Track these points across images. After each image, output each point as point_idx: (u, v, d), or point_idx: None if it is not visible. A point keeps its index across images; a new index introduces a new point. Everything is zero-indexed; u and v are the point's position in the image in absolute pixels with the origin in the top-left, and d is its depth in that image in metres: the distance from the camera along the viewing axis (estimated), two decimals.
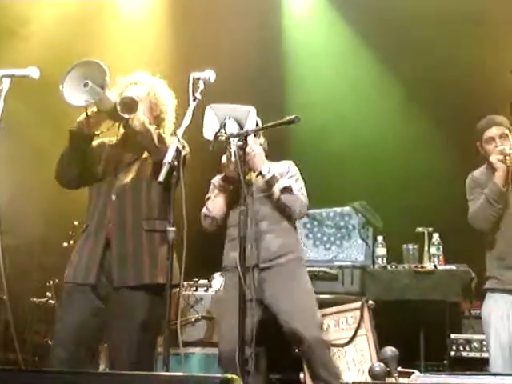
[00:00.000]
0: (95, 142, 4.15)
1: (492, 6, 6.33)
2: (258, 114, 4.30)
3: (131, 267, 3.95)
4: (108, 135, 4.19)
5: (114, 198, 4.03)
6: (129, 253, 3.97)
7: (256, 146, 4.47)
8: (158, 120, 4.17)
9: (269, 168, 4.47)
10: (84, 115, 3.93)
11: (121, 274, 3.94)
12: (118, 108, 3.84)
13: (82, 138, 4.00)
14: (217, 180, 4.61)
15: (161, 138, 3.97)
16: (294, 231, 4.69)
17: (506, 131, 4.67)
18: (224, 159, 4.36)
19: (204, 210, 4.59)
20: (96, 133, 4.08)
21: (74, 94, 3.77)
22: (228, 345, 4.22)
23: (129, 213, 4.02)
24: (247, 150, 4.22)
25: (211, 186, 4.70)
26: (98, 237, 4.00)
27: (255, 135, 4.54)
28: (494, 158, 4.58)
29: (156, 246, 4.02)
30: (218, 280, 5.59)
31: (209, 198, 4.64)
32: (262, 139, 4.70)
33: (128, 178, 4.08)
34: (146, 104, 4.13)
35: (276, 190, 4.46)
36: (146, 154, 4.10)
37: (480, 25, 6.27)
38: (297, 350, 4.69)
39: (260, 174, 4.48)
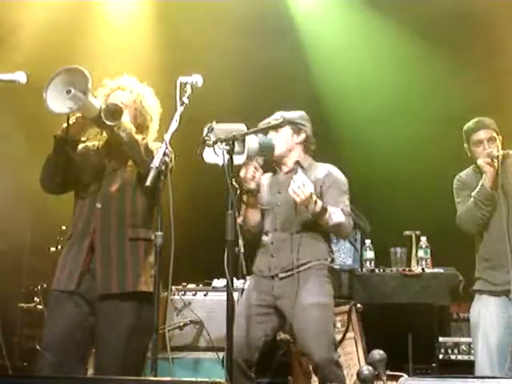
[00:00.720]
0: (80, 147, 4.14)
1: None
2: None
3: (115, 275, 3.93)
4: (93, 140, 4.18)
5: (99, 205, 4.02)
6: (112, 261, 3.95)
7: (303, 180, 4.19)
8: (141, 127, 4.16)
9: (316, 200, 4.20)
10: (66, 122, 3.90)
11: (104, 281, 3.92)
12: (103, 115, 3.82)
13: (66, 143, 3.97)
14: (244, 198, 4.49)
15: (147, 150, 3.95)
16: (323, 237, 4.49)
17: (494, 134, 4.71)
18: (242, 173, 4.31)
19: (239, 221, 4.35)
20: (82, 139, 4.08)
21: (57, 102, 3.75)
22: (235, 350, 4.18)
23: (113, 221, 4.01)
24: (293, 187, 4.13)
25: None
26: (81, 244, 3.99)
27: (295, 132, 4.52)
28: (481, 161, 4.61)
29: (140, 255, 4.01)
30: (217, 281, 5.60)
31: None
32: (302, 135, 4.59)
33: (113, 185, 4.06)
34: (131, 111, 4.13)
35: (325, 222, 4.29)
36: (130, 162, 4.09)
37: None
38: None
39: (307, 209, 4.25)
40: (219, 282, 5.57)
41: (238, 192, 4.28)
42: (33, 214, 6.69)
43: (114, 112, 3.85)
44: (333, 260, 4.57)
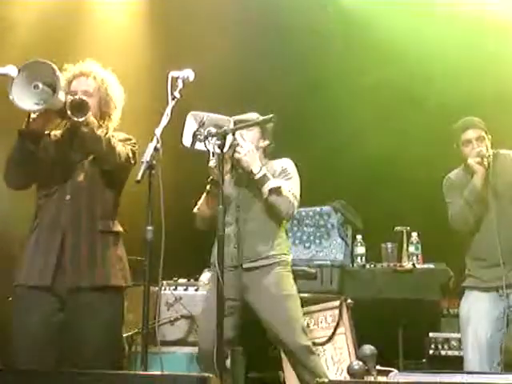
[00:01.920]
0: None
1: None
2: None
3: (85, 268, 3.90)
4: (53, 129, 4.12)
5: (67, 197, 3.97)
6: (82, 254, 3.91)
7: (247, 144, 4.45)
8: (104, 115, 4.10)
9: (260, 167, 4.45)
10: (29, 115, 3.83)
11: (75, 275, 3.88)
12: (69, 111, 3.76)
13: (31, 137, 3.88)
14: (207, 186, 4.56)
15: (109, 146, 3.90)
16: (281, 234, 4.65)
17: (483, 133, 4.72)
18: (211, 163, 4.33)
19: (195, 210, 4.61)
20: (45, 132, 4.01)
21: (25, 98, 3.70)
22: (205, 343, 4.23)
23: (83, 213, 3.96)
24: (237, 148, 4.29)
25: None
26: (51, 238, 3.93)
27: (262, 136, 4.62)
28: (471, 161, 4.63)
29: (110, 248, 3.99)
30: (206, 275, 5.60)
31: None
32: (266, 142, 4.69)
33: (82, 177, 4.01)
34: (95, 98, 4.06)
35: (265, 189, 4.45)
36: None
37: None
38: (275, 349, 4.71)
39: (251, 172, 4.46)
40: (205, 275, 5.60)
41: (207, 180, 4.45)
42: (22, 211, 6.65)
43: (81, 107, 3.78)
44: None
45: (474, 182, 4.60)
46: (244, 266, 4.45)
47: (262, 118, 4.35)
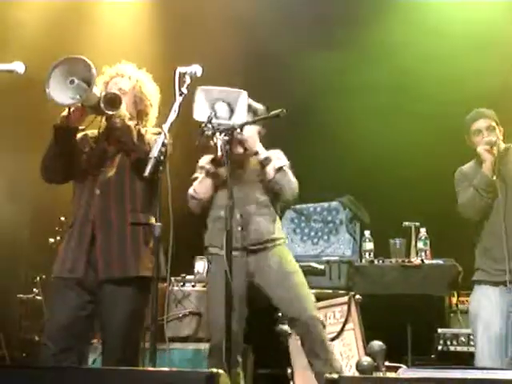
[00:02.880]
0: (78, 136, 4.13)
1: None
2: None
3: (116, 260, 3.96)
4: (91, 128, 4.17)
5: (97, 192, 4.03)
6: (114, 246, 3.98)
7: (249, 127, 4.44)
8: (141, 114, 4.18)
9: (263, 148, 4.50)
10: (67, 110, 3.91)
11: (106, 267, 3.95)
12: (102, 104, 3.84)
13: (66, 132, 3.98)
14: (205, 162, 4.59)
15: (140, 136, 3.96)
16: (278, 218, 4.67)
17: (493, 123, 4.76)
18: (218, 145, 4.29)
19: (190, 191, 4.57)
20: (80, 127, 4.07)
21: (60, 92, 3.76)
22: (217, 335, 4.19)
23: (113, 207, 4.03)
24: (238, 135, 4.27)
25: (198, 168, 4.67)
26: (83, 231, 4.00)
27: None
28: (481, 149, 4.66)
29: (140, 239, 4.03)
30: (200, 264, 5.60)
31: (195, 179, 4.61)
32: (259, 127, 4.66)
33: (111, 171, 4.08)
34: (130, 98, 4.14)
35: (270, 169, 4.47)
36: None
37: None
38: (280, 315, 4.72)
39: (256, 153, 4.49)
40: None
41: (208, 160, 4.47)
42: (31, 205, 6.69)
43: (114, 100, 3.86)
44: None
45: (484, 170, 4.63)
46: (252, 247, 4.45)
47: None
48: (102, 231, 3.99)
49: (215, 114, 3.98)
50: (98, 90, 3.90)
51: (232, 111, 4.09)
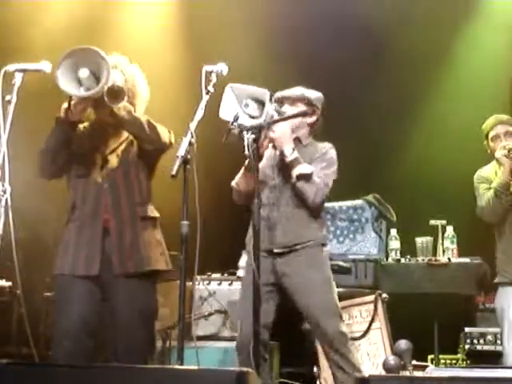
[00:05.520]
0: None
1: None
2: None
3: (130, 255, 3.96)
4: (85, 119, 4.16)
5: (105, 186, 4.01)
6: (127, 240, 3.97)
7: (282, 123, 4.28)
8: (132, 106, 4.08)
9: (292, 149, 4.30)
10: (67, 103, 3.87)
11: (121, 261, 3.94)
12: (106, 97, 3.81)
13: (68, 125, 3.95)
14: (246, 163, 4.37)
15: (151, 125, 3.95)
16: (317, 216, 4.45)
17: (511, 129, 4.84)
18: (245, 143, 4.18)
19: (233, 183, 4.46)
20: (81, 119, 4.06)
21: (70, 83, 3.76)
22: (243, 332, 4.18)
23: (123, 200, 4.02)
24: (273, 127, 4.17)
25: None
26: (94, 226, 3.98)
27: (310, 113, 4.43)
28: (499, 154, 4.72)
29: (150, 232, 4.04)
30: (243, 259, 5.59)
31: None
32: (314, 117, 4.50)
33: (115, 163, 4.05)
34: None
35: (294, 174, 4.30)
36: (128, 140, 4.10)
37: None
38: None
39: (282, 154, 4.33)
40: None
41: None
42: (57, 204, 6.71)
43: (117, 93, 3.84)
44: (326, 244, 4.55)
45: (502, 174, 4.69)
46: (276, 250, 4.33)
47: (299, 110, 4.29)
48: (114, 225, 3.97)
49: (244, 112, 3.96)
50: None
51: (263, 108, 4.08)
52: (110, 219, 3.98)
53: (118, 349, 3.98)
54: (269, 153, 4.51)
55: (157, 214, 4.17)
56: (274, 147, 4.39)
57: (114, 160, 4.07)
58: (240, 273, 5.53)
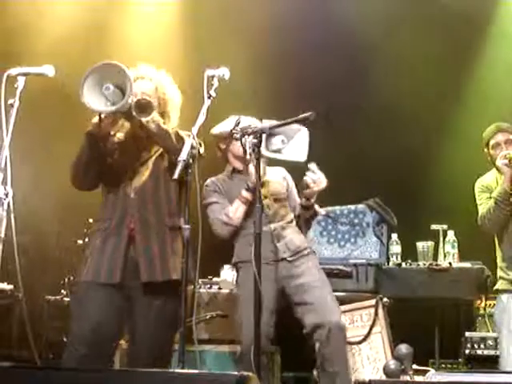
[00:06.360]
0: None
1: None
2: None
3: (158, 263, 3.95)
4: (117, 131, 4.17)
5: (132, 195, 4.02)
6: (155, 249, 3.97)
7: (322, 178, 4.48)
8: (164, 115, 4.11)
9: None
10: (98, 117, 3.90)
11: (149, 270, 3.93)
12: (134, 111, 3.83)
13: (98, 139, 3.98)
14: (244, 194, 4.51)
15: (178, 137, 3.93)
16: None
17: (511, 137, 4.85)
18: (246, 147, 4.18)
19: (224, 219, 4.52)
20: (111, 133, 4.08)
21: (95, 99, 3.77)
22: (248, 340, 4.18)
23: (150, 210, 4.02)
24: (314, 178, 4.43)
25: (209, 191, 4.64)
26: (119, 236, 3.98)
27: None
28: (499, 162, 4.74)
29: (178, 243, 4.01)
30: (227, 272, 5.59)
31: (211, 204, 4.60)
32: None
33: (145, 175, 4.06)
34: (154, 99, 4.08)
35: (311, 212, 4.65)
36: (159, 152, 4.10)
37: None
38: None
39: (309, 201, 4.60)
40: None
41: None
42: (59, 207, 6.73)
43: (146, 106, 3.85)
44: None
45: (502, 183, 4.71)
46: (289, 258, 4.53)
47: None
48: (141, 235, 3.97)
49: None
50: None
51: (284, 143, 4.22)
52: (136, 228, 3.98)
53: (135, 356, 4.00)
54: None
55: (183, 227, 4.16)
56: (307, 197, 4.57)
57: (144, 172, 4.07)
58: (222, 284, 5.54)
